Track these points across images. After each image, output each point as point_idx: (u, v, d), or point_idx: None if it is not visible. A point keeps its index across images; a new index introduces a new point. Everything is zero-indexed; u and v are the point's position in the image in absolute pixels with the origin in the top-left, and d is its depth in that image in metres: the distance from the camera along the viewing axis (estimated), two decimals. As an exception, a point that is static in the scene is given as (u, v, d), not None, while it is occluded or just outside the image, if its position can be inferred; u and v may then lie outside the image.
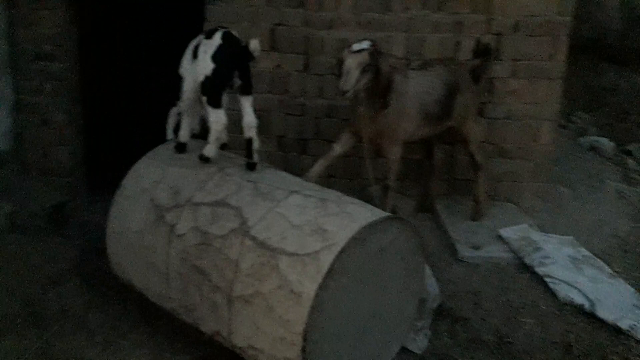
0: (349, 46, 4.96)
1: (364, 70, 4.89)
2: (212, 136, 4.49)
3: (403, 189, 6.29)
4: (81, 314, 4.79)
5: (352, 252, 3.76)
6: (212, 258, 4.06)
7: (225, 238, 4.05)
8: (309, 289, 3.66)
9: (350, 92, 4.86)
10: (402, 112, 5.25)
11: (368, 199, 4.78)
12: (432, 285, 4.88)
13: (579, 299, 5.02)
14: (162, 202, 4.43)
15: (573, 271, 5.33)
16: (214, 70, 4.31)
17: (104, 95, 7.34)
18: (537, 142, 6.31)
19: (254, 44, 4.35)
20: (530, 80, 6.19)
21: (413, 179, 6.34)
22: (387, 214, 4.16)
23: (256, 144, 4.50)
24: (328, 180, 6.05)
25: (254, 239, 3.95)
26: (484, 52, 5.87)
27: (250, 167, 4.49)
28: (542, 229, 5.97)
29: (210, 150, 4.53)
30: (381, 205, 5.05)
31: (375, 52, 4.92)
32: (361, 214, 4.00)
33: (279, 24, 6.05)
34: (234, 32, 4.46)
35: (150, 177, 4.61)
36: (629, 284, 5.29)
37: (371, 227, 3.86)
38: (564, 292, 5.11)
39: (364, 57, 4.88)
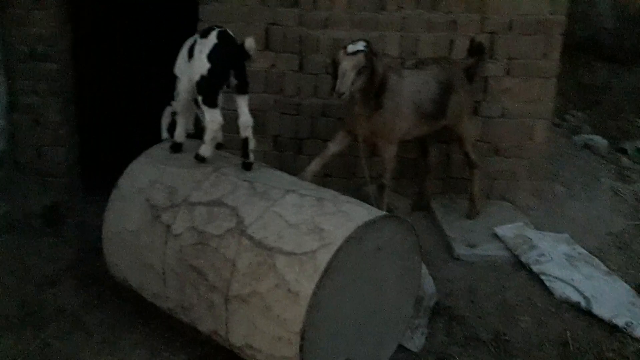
0: (344, 47, 4.96)
1: (359, 72, 4.91)
2: (207, 136, 4.49)
3: (398, 188, 6.29)
4: (78, 314, 4.78)
5: (349, 251, 3.77)
6: (209, 258, 4.06)
7: (221, 237, 4.05)
8: (307, 288, 3.66)
9: (346, 95, 4.87)
10: (397, 111, 5.26)
11: (364, 198, 4.79)
12: (428, 283, 4.89)
13: (575, 297, 5.04)
14: (158, 202, 4.43)
15: (569, 269, 5.34)
16: (210, 70, 4.31)
17: (98, 95, 7.31)
18: (532, 140, 6.32)
19: (249, 43, 4.34)
20: (525, 79, 6.19)
21: (408, 178, 6.35)
22: (384, 212, 4.18)
23: (252, 144, 4.50)
24: (324, 179, 6.04)
25: (250, 238, 3.95)
26: (477, 51, 5.88)
27: (246, 166, 4.49)
28: (538, 227, 5.97)
29: (206, 150, 4.53)
30: (377, 204, 5.06)
31: (370, 53, 4.93)
32: (358, 212, 4.00)
33: (273, 24, 6.04)
34: (230, 31, 4.45)
35: (146, 177, 4.60)
36: (624, 281, 5.31)
37: (368, 226, 3.86)
38: (560, 289, 5.12)
39: (360, 59, 4.88)
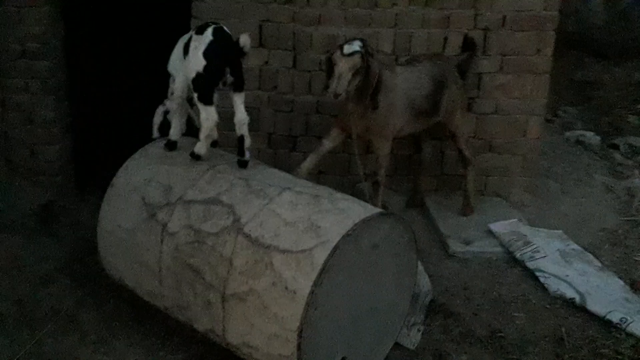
0: (340, 47, 4.95)
1: (356, 73, 4.91)
2: (203, 133, 4.47)
3: (393, 185, 6.29)
4: (73, 314, 4.76)
5: (346, 249, 3.77)
6: (205, 256, 4.05)
7: (218, 236, 4.04)
8: (304, 285, 3.66)
9: (342, 96, 4.87)
10: (391, 108, 5.26)
11: (358, 195, 4.79)
12: (424, 280, 4.90)
13: (569, 293, 5.06)
14: (153, 200, 4.41)
15: (563, 265, 5.36)
16: (206, 67, 4.28)
17: (91, 93, 7.28)
18: (525, 136, 6.32)
19: (244, 39, 4.31)
20: (518, 75, 6.20)
21: (402, 175, 6.35)
22: (380, 210, 4.17)
23: (248, 142, 4.48)
24: (318, 176, 6.05)
25: (247, 236, 3.94)
26: (469, 47, 5.90)
27: (242, 164, 4.48)
28: (531, 223, 6.00)
29: (201, 147, 4.51)
30: (372, 201, 5.07)
31: (366, 54, 4.93)
32: (354, 210, 4.00)
33: (267, 20, 6.02)
34: (226, 28, 4.43)
35: (141, 176, 4.58)
36: (618, 277, 5.34)
37: (364, 224, 3.86)
38: (555, 286, 5.14)
39: (356, 60, 4.89)
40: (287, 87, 6.15)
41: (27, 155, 6.26)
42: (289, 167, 5.38)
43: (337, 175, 6.27)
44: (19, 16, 5.97)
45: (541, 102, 6.29)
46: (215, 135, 4.60)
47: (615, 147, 7.86)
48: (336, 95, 4.85)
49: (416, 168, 6.23)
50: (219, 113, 4.45)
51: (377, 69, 5.00)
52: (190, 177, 4.41)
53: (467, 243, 5.65)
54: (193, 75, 4.34)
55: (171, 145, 4.74)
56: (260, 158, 5.62)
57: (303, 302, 3.63)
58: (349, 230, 3.77)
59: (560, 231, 5.86)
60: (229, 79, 4.37)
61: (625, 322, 4.74)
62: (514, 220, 5.90)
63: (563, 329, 4.77)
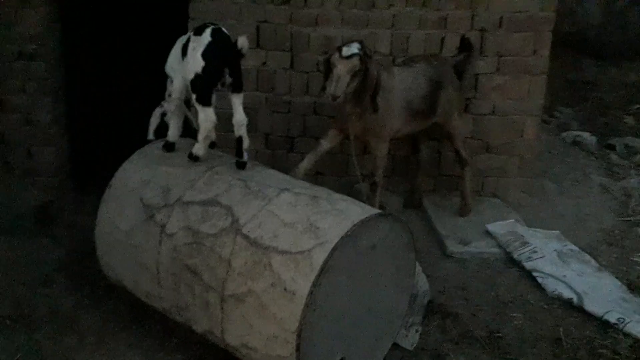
0: (339, 49, 4.95)
1: (354, 75, 4.91)
2: (201, 135, 4.47)
3: (390, 186, 6.31)
4: (71, 315, 4.76)
5: (345, 250, 3.76)
6: (204, 257, 4.05)
7: (216, 237, 4.04)
8: (303, 287, 3.66)
9: (341, 98, 4.88)
10: (388, 109, 5.27)
11: (356, 196, 4.79)
12: (422, 281, 4.90)
13: (567, 293, 5.06)
14: (151, 202, 4.40)
15: (560, 265, 5.37)
16: (205, 68, 4.27)
17: (88, 94, 7.28)
18: (522, 137, 6.34)
19: (242, 41, 4.31)
20: (515, 76, 6.22)
21: (400, 175, 6.37)
22: (379, 211, 4.17)
23: (246, 143, 4.48)
24: (315, 177, 6.06)
25: (246, 237, 3.94)
26: (466, 48, 5.91)
27: (240, 165, 4.47)
28: (529, 224, 6.01)
29: (199, 149, 4.51)
30: (369, 202, 5.07)
31: (364, 56, 4.93)
32: (353, 211, 4.00)
33: (264, 21, 6.03)
34: (224, 29, 4.43)
35: (139, 177, 4.58)
36: (615, 277, 5.34)
37: (363, 225, 3.86)
38: (552, 286, 5.15)
39: (355, 62, 4.89)
40: (285, 88, 6.16)
41: (24, 157, 6.26)
42: (287, 168, 5.39)
43: (335, 176, 6.28)
44: (16, 17, 5.96)
45: (538, 102, 6.31)
46: (213, 136, 4.60)
47: (612, 147, 7.89)
48: (334, 98, 4.85)
49: (414, 169, 6.23)
50: (217, 114, 4.44)
51: (375, 71, 5.01)
52: (189, 179, 4.40)
53: (465, 243, 5.66)
54: (191, 76, 4.33)
55: (169, 147, 4.74)
56: (257, 159, 5.63)
57: (302, 303, 3.63)
58: (347, 231, 3.77)
59: (558, 231, 5.87)
60: (228, 79, 4.37)
61: (622, 322, 4.75)
62: (512, 220, 5.91)
63: (561, 329, 4.77)
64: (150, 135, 5.02)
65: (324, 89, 5.07)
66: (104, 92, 7.66)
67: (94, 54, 7.55)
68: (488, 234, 5.78)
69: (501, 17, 6.07)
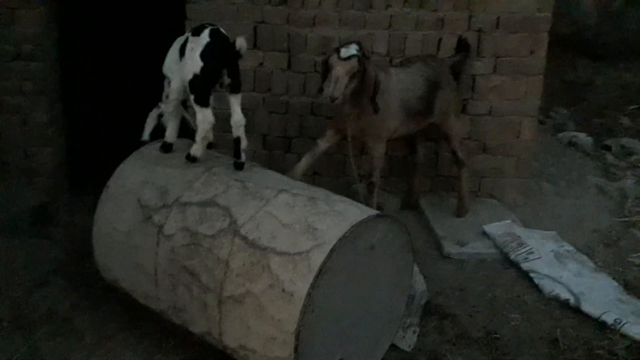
0: (337, 51, 4.95)
1: (352, 76, 4.92)
2: (199, 135, 4.46)
3: (387, 186, 6.31)
4: (68, 316, 4.75)
5: (343, 251, 3.76)
6: (202, 258, 4.05)
7: (214, 238, 4.03)
8: (301, 288, 3.66)
9: (339, 99, 4.88)
10: (386, 110, 5.27)
11: (353, 196, 4.79)
12: (419, 282, 4.91)
13: (564, 294, 5.07)
14: (149, 203, 4.40)
15: (557, 266, 5.38)
16: (203, 69, 4.27)
17: (85, 95, 7.27)
18: (519, 138, 6.35)
19: (240, 42, 4.31)
20: (512, 77, 6.22)
21: (397, 176, 6.37)
22: (377, 212, 4.17)
23: (244, 143, 4.48)
24: (313, 177, 6.06)
25: (244, 238, 3.94)
26: (463, 48, 5.92)
27: (238, 166, 4.47)
28: (525, 224, 6.02)
29: (197, 149, 4.51)
30: (367, 203, 5.06)
31: (363, 57, 4.93)
32: (351, 212, 4.00)
33: (261, 22, 6.02)
34: (222, 30, 4.43)
35: (136, 178, 4.57)
36: (611, 278, 5.34)
37: (361, 226, 3.86)
38: (549, 287, 5.15)
39: (353, 64, 4.90)
40: (282, 88, 6.16)
41: (21, 157, 6.24)
42: (284, 169, 5.39)
43: (332, 176, 6.29)
44: (13, 17, 5.94)
45: (535, 103, 6.31)
46: (211, 137, 4.60)
47: (608, 148, 7.90)
48: (333, 99, 4.85)
49: (411, 169, 6.24)
50: (214, 115, 4.44)
51: (373, 72, 5.01)
52: (186, 179, 4.40)
53: (462, 244, 5.66)
54: (190, 77, 4.32)
55: (167, 148, 4.74)
56: (255, 159, 5.63)
57: (300, 305, 3.63)
58: (345, 233, 3.77)
59: (554, 232, 5.88)
60: (226, 80, 4.36)
61: (619, 323, 4.75)
62: (508, 221, 5.92)
63: (558, 330, 4.78)
64: (146, 137, 5.00)
65: (321, 90, 5.07)
66: (101, 93, 7.65)
67: (91, 55, 7.55)
68: (485, 234, 5.78)
69: (498, 18, 6.07)
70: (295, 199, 4.10)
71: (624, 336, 4.70)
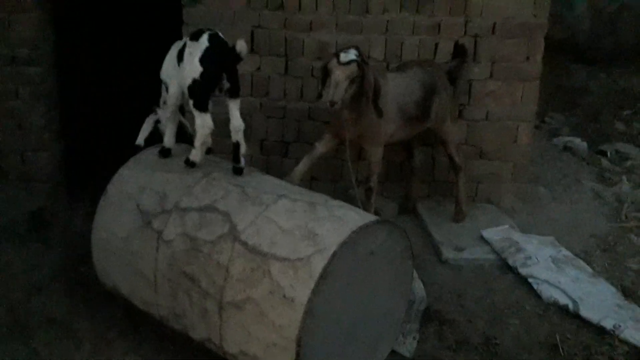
0: (336, 55, 4.95)
1: (351, 81, 4.91)
2: (198, 140, 4.45)
3: (385, 191, 6.31)
4: (67, 322, 4.73)
5: (344, 257, 3.76)
6: (202, 264, 4.03)
7: (214, 243, 4.02)
8: (302, 294, 3.64)
9: (339, 104, 4.88)
10: (383, 114, 5.26)
11: (350, 201, 4.78)
12: (418, 287, 4.89)
13: (562, 300, 5.07)
14: (148, 208, 4.38)
15: (555, 271, 5.37)
16: (203, 73, 4.25)
17: (82, 99, 7.25)
18: (516, 143, 6.35)
19: (241, 45, 4.30)
20: (508, 82, 6.23)
21: (394, 181, 6.37)
22: (377, 217, 4.17)
23: (243, 148, 4.47)
24: (309, 182, 6.06)
25: (244, 244, 3.93)
26: (460, 53, 5.93)
27: (237, 171, 4.46)
28: (523, 229, 6.02)
29: (196, 154, 4.49)
30: (364, 208, 5.07)
31: (362, 62, 4.94)
32: (351, 217, 4.00)
33: (258, 27, 6.02)
34: (221, 34, 4.42)
35: (135, 183, 4.56)
36: (609, 283, 5.35)
37: (361, 231, 3.85)
38: (548, 292, 5.15)
39: (353, 68, 4.90)
40: (279, 93, 6.16)
41: (17, 162, 6.21)
42: (282, 174, 5.39)
43: (329, 181, 6.28)
44: (9, 22, 5.92)
45: (531, 108, 6.32)
46: (209, 142, 4.59)
47: (603, 153, 7.93)
48: (332, 104, 4.85)
49: (408, 174, 6.25)
50: (213, 120, 4.43)
51: (372, 77, 5.00)
52: (185, 185, 4.39)
53: (460, 250, 5.66)
54: (189, 82, 4.31)
55: (165, 153, 4.72)
56: (252, 164, 5.62)
57: (301, 310, 3.62)
58: (346, 238, 3.76)
59: (552, 237, 5.88)
60: (225, 85, 4.36)
61: (618, 329, 4.75)
62: (506, 226, 5.93)
63: (557, 336, 4.78)
64: (140, 142, 4.99)
65: (320, 95, 5.07)
66: (98, 97, 7.63)
67: (87, 59, 7.53)
68: (483, 240, 5.78)
69: (494, 24, 6.09)
70: (295, 205, 4.09)
71: (623, 342, 4.69)
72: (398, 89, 5.40)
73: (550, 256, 5.55)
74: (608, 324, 4.80)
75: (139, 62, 6.82)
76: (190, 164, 4.50)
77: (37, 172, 6.23)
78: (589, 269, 5.49)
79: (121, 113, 6.78)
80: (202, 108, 4.35)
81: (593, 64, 10.28)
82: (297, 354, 3.64)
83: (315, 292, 3.63)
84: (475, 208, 6.29)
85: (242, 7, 5.98)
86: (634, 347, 4.64)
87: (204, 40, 4.30)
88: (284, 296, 3.70)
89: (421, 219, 6.16)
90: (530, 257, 5.47)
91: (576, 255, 5.69)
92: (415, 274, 4.87)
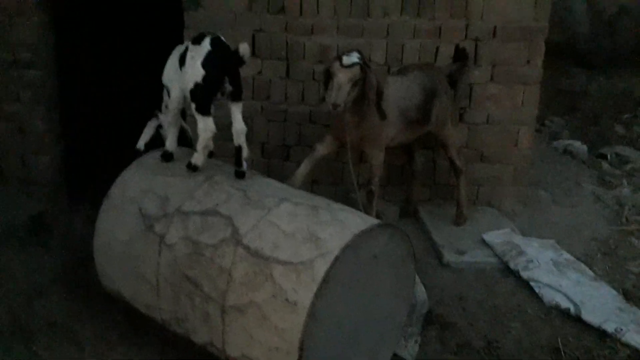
0: (339, 58, 4.95)
1: (354, 84, 4.92)
2: (200, 144, 4.45)
3: (386, 195, 6.31)
4: (68, 326, 4.72)
5: (346, 260, 3.75)
6: (204, 268, 4.03)
7: (216, 247, 4.02)
8: (305, 297, 3.64)
9: (342, 107, 4.88)
10: (384, 118, 5.28)
11: (351, 205, 4.78)
12: (420, 291, 4.89)
13: (564, 303, 5.07)
14: (150, 212, 4.38)
15: (556, 275, 5.38)
16: (205, 77, 4.26)
17: (82, 103, 7.25)
18: (517, 146, 6.36)
19: (244, 48, 4.30)
20: (509, 86, 6.24)
21: (395, 185, 6.37)
22: (379, 221, 4.17)
23: (245, 152, 4.47)
24: (310, 185, 6.06)
25: (246, 247, 3.92)
26: (460, 57, 5.93)
27: (239, 175, 4.46)
28: (523, 233, 6.02)
29: (198, 158, 4.49)
30: (366, 211, 5.06)
31: (364, 65, 4.94)
32: (353, 221, 4.00)
33: (260, 30, 6.02)
34: (223, 38, 4.42)
35: (137, 187, 4.56)
36: (611, 286, 5.35)
37: (364, 235, 3.86)
38: (549, 296, 5.15)
39: (356, 71, 4.90)
40: (280, 96, 6.15)
41: (18, 165, 6.21)
42: (283, 177, 5.38)
43: (330, 184, 6.28)
44: (10, 25, 5.93)
45: (532, 112, 6.33)
46: (211, 145, 4.58)
47: (603, 156, 7.94)
48: (335, 106, 4.85)
49: (409, 178, 6.25)
50: (215, 123, 4.43)
51: (374, 79, 5.01)
52: (188, 188, 4.39)
53: (461, 253, 5.65)
54: (191, 85, 4.31)
55: (167, 157, 4.72)
56: (253, 168, 5.58)
57: (304, 314, 3.62)
58: (348, 242, 3.76)
59: (553, 240, 5.88)
60: (228, 88, 4.36)
61: (620, 332, 4.76)
62: (507, 229, 5.93)
63: (559, 339, 4.78)
64: (140, 146, 4.99)
65: (323, 99, 5.08)
66: (99, 101, 7.63)
67: (88, 62, 7.52)
68: (484, 243, 5.78)
69: (495, 27, 6.09)
70: (297, 208, 4.09)
71: (625, 345, 4.69)
72: (399, 93, 5.40)
73: (552, 259, 5.55)
74: (610, 327, 4.81)
75: (140, 65, 6.82)
76: (192, 168, 4.50)
77: (37, 176, 6.23)
78: (590, 273, 5.49)
79: (122, 116, 6.78)
80: (205, 112, 4.35)
81: (592, 68, 10.30)
82: (300, 358, 3.64)
83: (317, 295, 3.62)
84: (476, 211, 6.29)
85: (243, 11, 5.97)
86: (636, 350, 4.64)
87: (206, 44, 4.31)
88: (287, 300, 3.69)
89: (422, 222, 6.16)
90: (531, 261, 5.47)
91: (577, 258, 5.70)
92: (417, 278, 4.87)
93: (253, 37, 6.01)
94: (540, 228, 6.23)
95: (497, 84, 6.23)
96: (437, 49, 6.11)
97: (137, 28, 7.71)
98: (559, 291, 5.17)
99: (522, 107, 6.28)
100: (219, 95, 4.38)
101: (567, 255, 5.67)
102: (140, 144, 5.00)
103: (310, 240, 3.83)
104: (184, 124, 4.92)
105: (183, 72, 4.43)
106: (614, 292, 5.27)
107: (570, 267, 5.50)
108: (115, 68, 7.84)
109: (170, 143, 4.74)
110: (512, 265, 5.47)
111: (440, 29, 6.07)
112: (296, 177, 5.25)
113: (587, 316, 4.93)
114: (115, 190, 4.64)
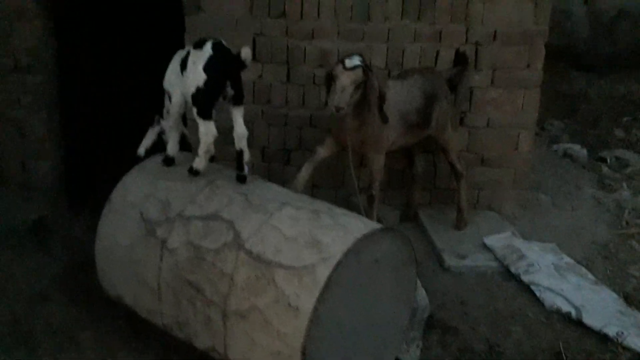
0: (341, 62, 4.96)
1: (357, 87, 4.92)
2: (201, 149, 4.44)
3: (386, 199, 6.32)
4: (70, 331, 4.71)
5: (348, 265, 3.75)
6: (206, 272, 4.02)
7: (218, 252, 4.01)
8: (307, 302, 3.64)
9: (344, 109, 4.88)
10: (385, 121, 5.28)
11: (352, 209, 4.78)
12: (421, 295, 4.89)
13: (565, 307, 5.07)
14: (152, 216, 4.38)
15: (557, 278, 5.38)
16: (207, 81, 4.26)
17: (83, 108, 7.25)
18: (517, 150, 6.37)
19: (246, 52, 4.30)
20: (509, 89, 6.25)
21: (396, 189, 6.37)
22: (381, 225, 4.17)
23: (247, 156, 4.47)
24: (311, 189, 6.05)
25: (248, 252, 3.92)
26: (461, 61, 5.94)
27: (241, 179, 4.46)
28: (524, 236, 6.02)
29: (199, 163, 4.49)
30: (367, 215, 5.07)
31: (366, 68, 4.95)
32: (355, 225, 3.99)
33: (260, 34, 6.03)
34: (224, 42, 4.42)
35: (139, 191, 4.55)
36: (611, 290, 5.35)
37: (366, 239, 3.85)
38: (550, 299, 5.15)
39: (358, 74, 4.91)
40: (281, 100, 6.16)
41: (19, 170, 6.22)
42: (283, 181, 5.41)
43: (331, 188, 6.28)
44: (11, 30, 5.93)
45: (532, 116, 6.34)
46: (213, 150, 4.58)
47: (603, 160, 7.94)
48: (338, 109, 4.85)
49: (409, 182, 6.25)
50: (216, 127, 4.43)
51: (376, 83, 5.01)
52: (189, 193, 4.38)
53: (462, 257, 5.66)
54: (193, 90, 4.31)
55: (169, 161, 4.72)
56: (254, 172, 5.59)
57: (306, 319, 3.61)
58: (350, 246, 3.75)
59: (554, 244, 5.88)
60: (229, 92, 4.36)
61: (621, 336, 4.75)
62: (508, 233, 5.93)
63: (560, 343, 4.78)
64: (141, 152, 4.99)
65: (326, 103, 5.09)
66: (100, 106, 7.63)
67: (89, 67, 7.52)
68: (485, 247, 5.78)
69: (495, 31, 6.10)
70: (299, 212, 4.09)
71: (626, 349, 4.70)
72: (399, 97, 5.41)
73: (552, 263, 5.56)
74: (611, 331, 4.80)
75: (141, 70, 6.82)
76: (193, 172, 4.50)
77: (38, 180, 6.24)
78: (591, 276, 5.50)
79: (122, 121, 6.78)
80: (206, 116, 4.35)
81: (592, 71, 10.32)
82: (302, 363, 3.64)
83: (320, 300, 3.62)
84: (476, 215, 6.29)
85: (244, 15, 5.98)
86: (637, 354, 4.64)
87: (207, 49, 4.31)
88: (289, 304, 3.69)
89: (423, 226, 6.16)
90: (532, 264, 5.47)
91: (578, 262, 5.70)
92: (418, 282, 4.87)
93: (254, 41, 6.02)
94: (541, 232, 6.23)
95: (497, 88, 6.24)
96: (438, 53, 6.12)
97: (138, 33, 7.71)
98: (560, 295, 5.17)
99: (523, 111, 6.29)
100: (220, 99, 4.38)
101: (567, 259, 5.67)
102: (141, 150, 5.00)
103: (312, 244, 3.83)
104: (184, 129, 4.92)
105: (184, 76, 4.43)
106: (615, 295, 5.27)
107: (571, 271, 5.50)
108: (116, 73, 7.84)
109: (172, 147, 4.74)
110: (513, 269, 5.47)
111: (440, 33, 6.08)
112: (298, 181, 5.25)
113: (588, 320, 4.93)
114: (116, 194, 4.63)
